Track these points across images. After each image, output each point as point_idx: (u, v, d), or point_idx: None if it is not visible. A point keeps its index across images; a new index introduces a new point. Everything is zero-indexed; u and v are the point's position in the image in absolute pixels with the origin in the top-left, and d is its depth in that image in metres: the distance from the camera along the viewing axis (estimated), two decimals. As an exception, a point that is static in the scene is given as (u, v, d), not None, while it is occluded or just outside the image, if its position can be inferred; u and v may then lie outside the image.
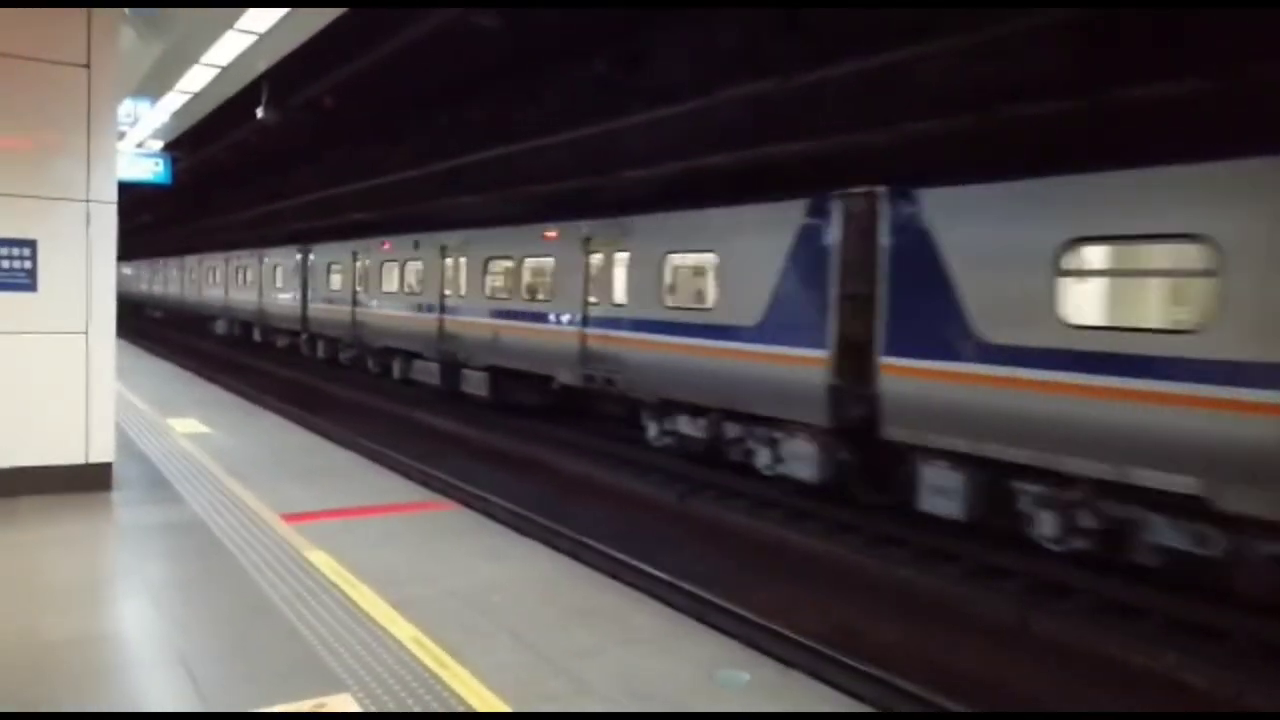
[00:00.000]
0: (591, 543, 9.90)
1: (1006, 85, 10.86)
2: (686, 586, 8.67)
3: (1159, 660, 7.78)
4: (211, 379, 22.07)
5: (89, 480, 8.65)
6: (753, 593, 9.05)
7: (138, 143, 15.91)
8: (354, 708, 4.70)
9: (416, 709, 4.68)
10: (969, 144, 11.78)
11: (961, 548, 10.05)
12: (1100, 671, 7.77)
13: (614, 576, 7.84)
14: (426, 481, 12.01)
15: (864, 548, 10.60)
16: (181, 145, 18.18)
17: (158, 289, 48.14)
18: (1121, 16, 9.42)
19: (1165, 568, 8.45)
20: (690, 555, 10.54)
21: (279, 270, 29.25)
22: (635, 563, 9.27)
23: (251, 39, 10.00)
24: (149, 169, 14.27)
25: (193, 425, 13.26)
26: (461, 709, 4.70)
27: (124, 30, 9.53)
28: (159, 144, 16.21)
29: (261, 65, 11.47)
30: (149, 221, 44.58)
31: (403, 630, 5.71)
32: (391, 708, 4.67)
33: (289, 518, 8.25)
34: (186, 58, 10.93)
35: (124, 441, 10.38)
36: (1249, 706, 7.10)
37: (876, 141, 12.82)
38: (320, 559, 7.05)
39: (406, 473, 12.15)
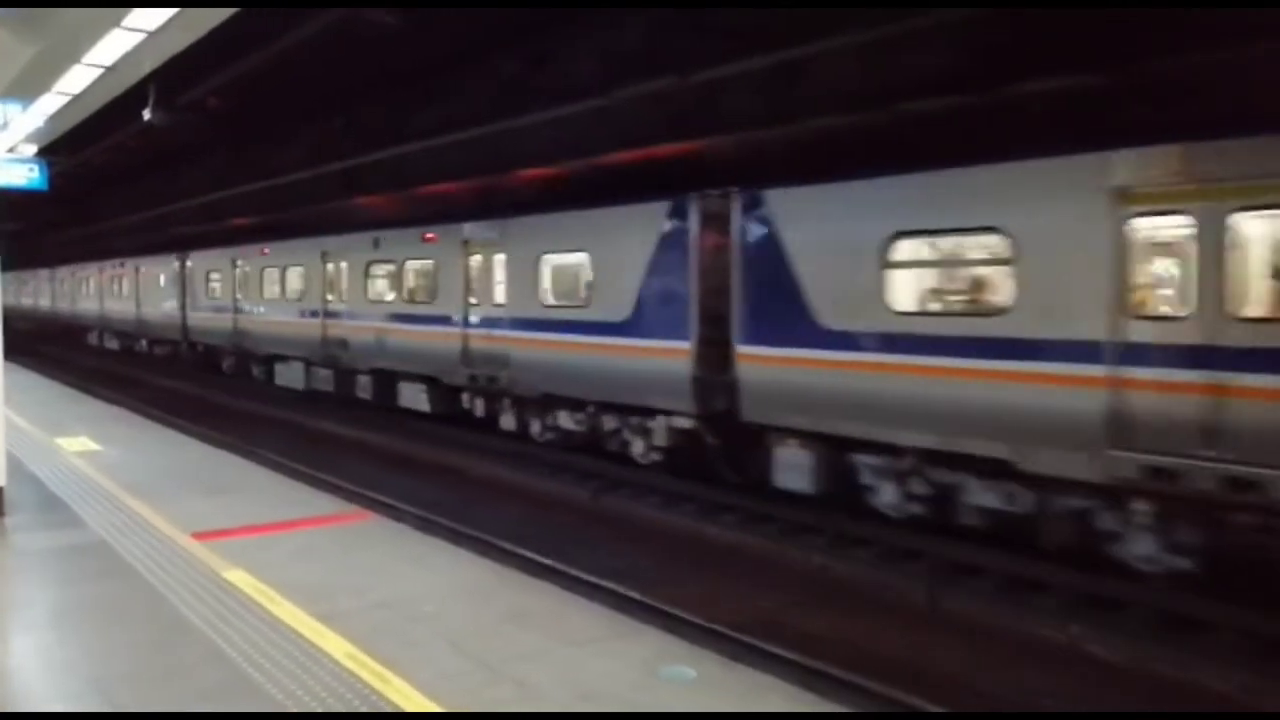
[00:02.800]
0: (514, 548, 9.81)
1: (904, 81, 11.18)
2: (616, 588, 8.67)
3: (1063, 632, 8.14)
4: (94, 394, 21.06)
5: (-23, 506, 8.18)
6: (674, 588, 9.11)
7: (9, 147, 15.02)
8: (292, 728, 4.57)
9: (359, 725, 4.58)
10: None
11: (873, 533, 10.31)
12: (1009, 645, 8.07)
13: (541, 579, 7.78)
14: (336, 491, 11.69)
15: (780, 537, 10.78)
16: (58, 149, 17.28)
17: (115, 307, 33.85)
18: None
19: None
20: (607, 553, 10.53)
21: (553, 269, 14.18)
22: (563, 567, 9.23)
23: (139, 37, 9.56)
24: (23, 175, 13.47)
25: (83, 443, 12.62)
26: (406, 722, 4.62)
27: (-5, 29, 9.03)
28: (32, 149, 15.35)
29: (148, 65, 10.99)
30: (17, 230, 42.15)
31: (335, 646, 5.57)
32: (333, 726, 4.57)
33: (199, 536, 7.95)
34: (67, 57, 10.38)
35: (11, 463, 9.81)
36: (1148, 673, 7.48)
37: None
38: (238, 577, 6.83)
39: (315, 484, 11.80)
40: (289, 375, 21.30)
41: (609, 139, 14.24)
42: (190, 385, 25.50)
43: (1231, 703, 6.97)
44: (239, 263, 23.60)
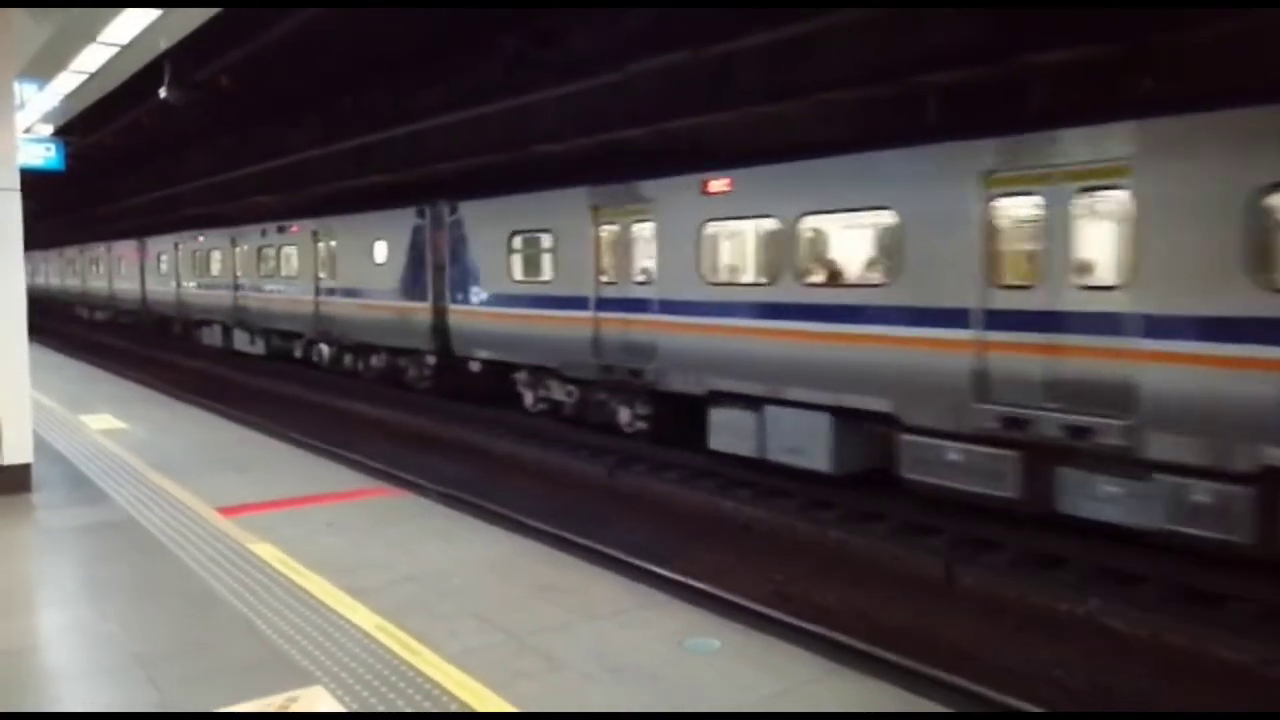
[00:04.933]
0: (538, 524, 9.94)
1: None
2: (640, 563, 8.77)
3: (1081, 606, 8.20)
4: (117, 372, 21.25)
5: (7, 483, 8.33)
6: (689, 562, 9.23)
7: (25, 128, 15.13)
8: (327, 699, 4.67)
9: (393, 696, 4.68)
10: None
11: (887, 507, 10.37)
12: (1027, 619, 8.13)
13: (564, 553, 7.88)
14: (360, 468, 11.84)
15: (795, 512, 10.85)
16: (72, 130, 17.34)
17: (265, 296, 23.46)
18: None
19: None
20: (624, 528, 10.66)
21: None
22: (587, 542, 9.35)
23: (155, 14, 9.59)
24: (40, 155, 13.61)
25: (107, 421, 12.77)
26: (437, 693, 4.72)
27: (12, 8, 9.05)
28: (48, 129, 15.45)
29: (163, 43, 11.02)
30: (32, 210, 42.06)
31: (365, 618, 5.68)
32: (366, 697, 4.66)
33: (226, 511, 8.08)
34: (83, 35, 10.42)
35: (37, 441, 9.95)
36: (1166, 645, 7.54)
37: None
38: (266, 551, 6.94)
39: (339, 460, 11.95)
40: (788, 436, 10.88)
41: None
42: (211, 364, 25.64)
43: (1245, 672, 7.04)
44: (615, 216, 13.16)
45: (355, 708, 4.55)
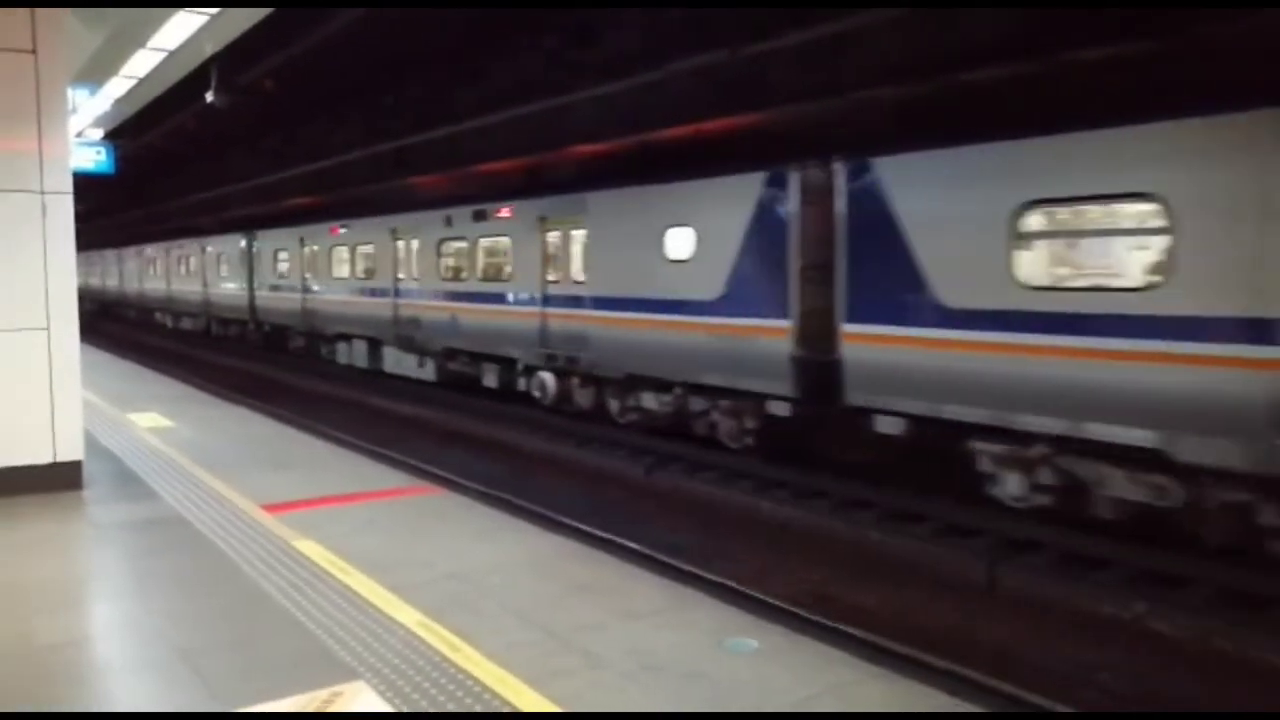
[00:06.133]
0: (576, 523, 9.98)
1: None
2: (677, 564, 8.78)
3: (1127, 609, 8.08)
4: (163, 372, 21.64)
5: (58, 479, 8.50)
6: (727, 561, 9.23)
7: (77, 132, 15.49)
8: (370, 694, 4.73)
9: (434, 692, 4.73)
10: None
11: (928, 508, 10.28)
12: (1070, 622, 8.03)
13: (602, 552, 7.91)
14: (399, 466, 11.96)
15: (833, 512, 10.79)
16: (122, 134, 17.68)
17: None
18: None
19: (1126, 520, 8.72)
20: (661, 528, 10.67)
21: None
22: (624, 542, 9.37)
23: (202, 19, 9.78)
24: (91, 158, 13.90)
25: (154, 419, 13.01)
26: (479, 689, 4.76)
27: (67, 15, 9.27)
28: (99, 133, 15.78)
29: (209, 48, 11.22)
30: (79, 212, 42.81)
31: (407, 615, 5.74)
32: (409, 693, 4.71)
33: (270, 508, 8.20)
34: (133, 41, 10.66)
35: (87, 439, 10.17)
36: (1214, 650, 7.41)
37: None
38: (310, 548, 7.04)
39: (377, 458, 12.07)
40: None
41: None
42: (255, 365, 26.01)
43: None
44: None
45: (398, 702, 4.60)
